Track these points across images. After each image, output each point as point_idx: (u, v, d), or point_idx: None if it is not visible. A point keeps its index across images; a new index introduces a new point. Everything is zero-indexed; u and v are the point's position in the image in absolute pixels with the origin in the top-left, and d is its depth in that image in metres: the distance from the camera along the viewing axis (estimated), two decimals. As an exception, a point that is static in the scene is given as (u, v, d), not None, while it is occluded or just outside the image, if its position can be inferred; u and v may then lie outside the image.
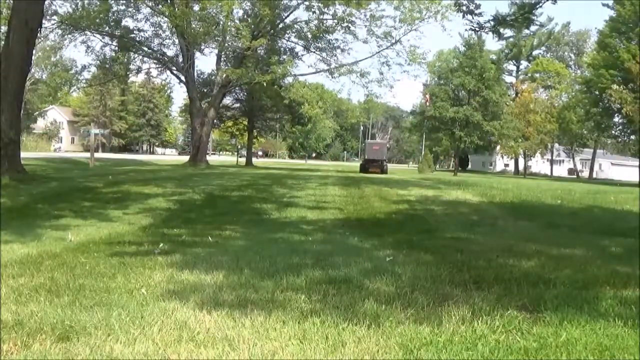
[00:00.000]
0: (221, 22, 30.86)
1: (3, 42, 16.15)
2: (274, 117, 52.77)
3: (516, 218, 9.96)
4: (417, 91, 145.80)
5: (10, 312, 3.49)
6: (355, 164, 53.77)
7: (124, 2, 31.87)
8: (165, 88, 71.02)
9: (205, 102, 36.25)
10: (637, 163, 48.85)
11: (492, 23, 10.60)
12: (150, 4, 32.57)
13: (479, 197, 13.44)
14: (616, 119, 47.63)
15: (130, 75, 43.43)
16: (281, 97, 38.23)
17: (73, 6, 29.60)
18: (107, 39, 33.50)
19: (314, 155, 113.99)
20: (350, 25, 31.26)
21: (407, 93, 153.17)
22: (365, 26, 31.48)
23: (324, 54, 34.26)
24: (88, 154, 34.79)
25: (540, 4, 11.02)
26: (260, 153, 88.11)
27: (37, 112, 73.34)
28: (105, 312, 3.50)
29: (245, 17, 34.98)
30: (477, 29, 10.69)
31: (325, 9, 30.99)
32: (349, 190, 14.99)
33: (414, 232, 7.74)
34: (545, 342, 3.08)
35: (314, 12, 31.78)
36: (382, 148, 40.69)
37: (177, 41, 33.91)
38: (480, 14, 10.22)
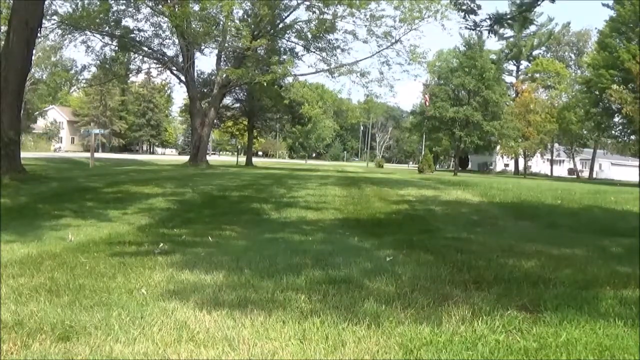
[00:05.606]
0: (221, 22, 30.86)
1: (3, 42, 16.15)
2: (274, 117, 52.86)
3: (516, 218, 9.95)
4: (417, 91, 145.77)
5: (10, 312, 3.49)
6: (356, 165, 67.28)
7: (124, 2, 31.87)
8: (165, 88, 71.00)
9: (205, 102, 36.23)
10: (637, 163, 48.81)
11: (488, 22, 10.53)
12: (150, 4, 32.56)
13: (479, 197, 13.43)
14: (616, 119, 47.58)
15: (130, 75, 43.44)
16: (281, 97, 38.26)
17: (73, 6, 29.57)
18: (107, 39, 33.50)
19: (314, 155, 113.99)
20: (347, 22, 31.34)
21: (407, 93, 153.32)
22: (365, 26, 31.55)
23: (324, 54, 34.34)
24: (88, 154, 34.81)
25: (539, 3, 10.99)
26: (260, 153, 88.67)
27: (37, 112, 73.31)
28: (105, 312, 3.50)
29: (245, 17, 35.02)
30: (472, 27, 10.63)
31: (326, 9, 31.01)
32: (349, 190, 14.97)
33: (414, 232, 7.73)
34: (545, 342, 3.07)
35: (314, 12, 31.83)
36: None
37: (177, 41, 33.92)
38: (476, 13, 10.16)
